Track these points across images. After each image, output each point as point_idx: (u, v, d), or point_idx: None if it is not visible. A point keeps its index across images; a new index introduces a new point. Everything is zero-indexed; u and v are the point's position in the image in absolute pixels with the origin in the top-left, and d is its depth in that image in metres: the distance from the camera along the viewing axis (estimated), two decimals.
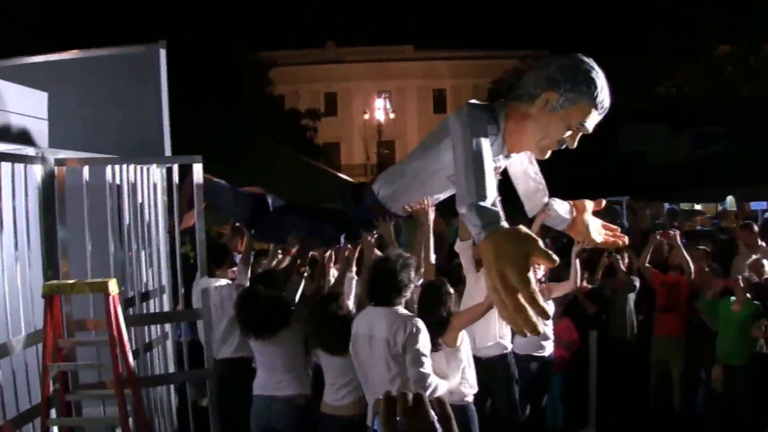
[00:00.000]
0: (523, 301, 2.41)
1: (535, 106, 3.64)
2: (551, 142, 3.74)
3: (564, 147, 3.77)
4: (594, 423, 8.78)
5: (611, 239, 4.80)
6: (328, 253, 6.88)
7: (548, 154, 3.83)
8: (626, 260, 9.94)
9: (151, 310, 7.23)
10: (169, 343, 7.55)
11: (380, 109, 53.78)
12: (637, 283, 9.86)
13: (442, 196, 5.06)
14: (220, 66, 27.00)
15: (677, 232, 9.76)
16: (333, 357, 5.97)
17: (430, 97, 59.02)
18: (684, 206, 16.88)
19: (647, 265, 9.77)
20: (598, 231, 4.74)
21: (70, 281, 5.56)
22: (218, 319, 7.22)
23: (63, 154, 6.28)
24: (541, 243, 2.51)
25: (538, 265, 2.54)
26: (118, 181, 6.56)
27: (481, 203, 2.89)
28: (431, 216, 5.74)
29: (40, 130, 6.50)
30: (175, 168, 6.91)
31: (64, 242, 6.10)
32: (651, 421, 9.61)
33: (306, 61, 54.96)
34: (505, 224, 2.73)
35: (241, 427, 6.54)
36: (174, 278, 7.22)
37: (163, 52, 7.81)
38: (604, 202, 4.86)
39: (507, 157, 4.10)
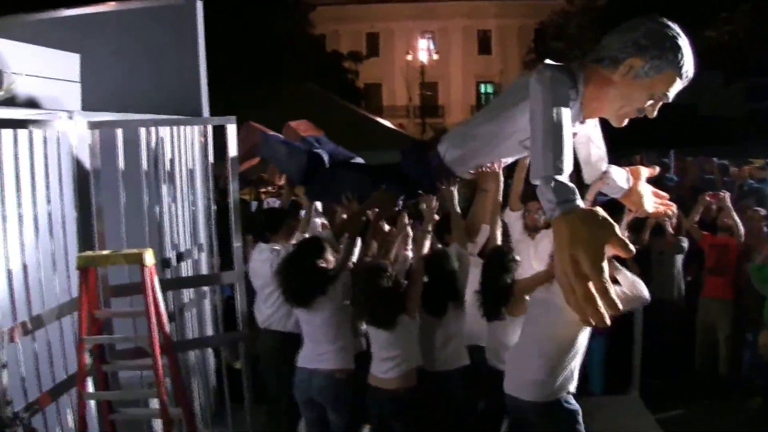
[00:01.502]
0: (593, 290, 2.28)
1: (618, 72, 3.47)
2: (631, 110, 3.59)
3: (643, 115, 3.61)
4: (638, 386, 8.62)
5: (662, 209, 4.72)
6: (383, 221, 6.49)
7: (625, 122, 3.68)
8: (674, 220, 9.67)
9: (189, 270, 7.22)
10: (207, 303, 7.51)
11: (423, 50, 53.36)
12: (686, 244, 9.62)
13: (510, 160, 4.96)
14: (259, 6, 26.53)
15: (727, 194, 9.49)
16: (379, 330, 5.84)
17: (475, 38, 58.05)
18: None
19: (695, 225, 9.56)
20: (650, 200, 4.66)
21: (105, 252, 5.45)
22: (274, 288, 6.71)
23: (96, 116, 6.15)
24: (618, 230, 2.37)
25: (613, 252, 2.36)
26: (153, 142, 6.46)
27: (558, 177, 2.73)
28: (500, 180, 5.61)
29: (72, 93, 6.39)
30: (210, 128, 6.87)
31: (99, 207, 5.99)
32: (696, 385, 9.44)
33: (348, 1, 54.49)
34: (581, 203, 2.58)
35: (283, 397, 6.51)
36: (212, 237, 7.13)
37: (200, 5, 7.67)
38: (657, 169, 4.76)
39: (582, 122, 3.93)
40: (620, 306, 2.28)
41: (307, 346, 6.08)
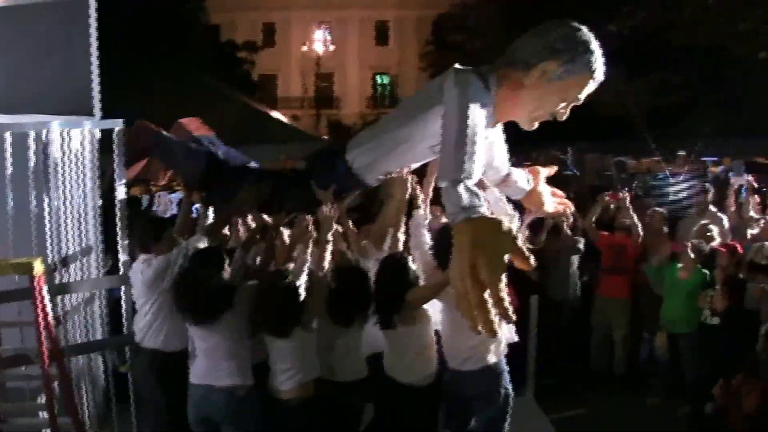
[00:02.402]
0: (488, 298, 2.20)
1: (531, 76, 3.42)
2: (544, 113, 3.56)
3: (553, 118, 3.59)
4: (532, 387, 8.61)
5: (560, 208, 4.76)
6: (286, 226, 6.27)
7: (536, 125, 3.63)
8: (570, 220, 9.70)
9: (78, 272, 6.92)
10: (96, 305, 7.26)
11: (319, 41, 53.14)
12: (582, 245, 9.71)
13: (416, 165, 4.84)
14: None
15: (627, 194, 9.58)
16: (275, 340, 5.66)
17: (372, 29, 57.85)
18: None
19: (593, 225, 9.63)
20: (550, 200, 4.74)
21: None
22: (145, 300, 6.40)
23: None
24: (521, 242, 2.30)
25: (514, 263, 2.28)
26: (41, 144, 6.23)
27: (467, 182, 2.66)
28: (407, 186, 5.45)
29: None
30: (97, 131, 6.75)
31: None
32: (592, 385, 9.55)
33: None
34: (486, 211, 2.50)
35: (176, 417, 6.14)
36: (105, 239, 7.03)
37: (92, 1, 7.36)
38: (555, 169, 4.82)
39: (493, 127, 3.82)
40: (513, 317, 2.22)
41: (201, 362, 5.76)
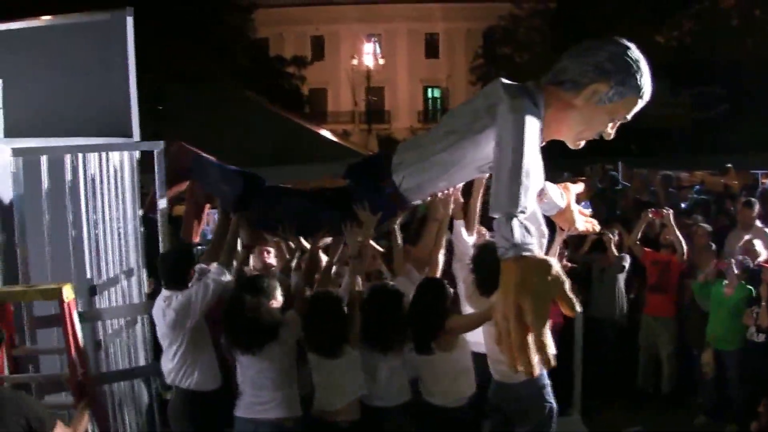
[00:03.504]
0: (530, 341, 2.21)
1: (581, 97, 3.36)
2: (592, 133, 3.51)
3: (599, 137, 3.55)
4: (579, 407, 8.53)
5: (589, 227, 4.73)
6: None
7: (582, 144, 3.59)
8: (616, 237, 9.62)
9: (119, 295, 6.94)
10: (139, 329, 7.25)
11: (369, 54, 53.08)
12: (627, 263, 9.59)
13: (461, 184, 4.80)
14: (197, 7, 25.60)
15: (670, 211, 9.46)
16: (322, 359, 5.66)
17: (422, 42, 57.71)
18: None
19: (638, 242, 9.53)
20: (580, 217, 4.69)
21: (20, 287, 5.26)
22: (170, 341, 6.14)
23: (20, 143, 5.92)
24: (568, 287, 2.31)
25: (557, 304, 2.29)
26: (80, 167, 6.25)
27: (521, 216, 2.59)
28: (450, 208, 5.45)
29: None
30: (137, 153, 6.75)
31: (22, 235, 5.76)
32: (639, 404, 9.41)
33: (292, 3, 54.05)
34: (537, 251, 2.45)
35: None
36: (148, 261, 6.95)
37: (130, 20, 7.34)
38: (582, 186, 4.78)
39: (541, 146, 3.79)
40: (553, 363, 2.22)
41: (248, 394, 5.67)
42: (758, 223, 9.79)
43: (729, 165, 14.67)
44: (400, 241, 5.99)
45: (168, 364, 6.10)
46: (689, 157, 14.88)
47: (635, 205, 11.11)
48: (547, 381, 6.00)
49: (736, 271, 8.33)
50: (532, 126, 2.92)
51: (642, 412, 9.19)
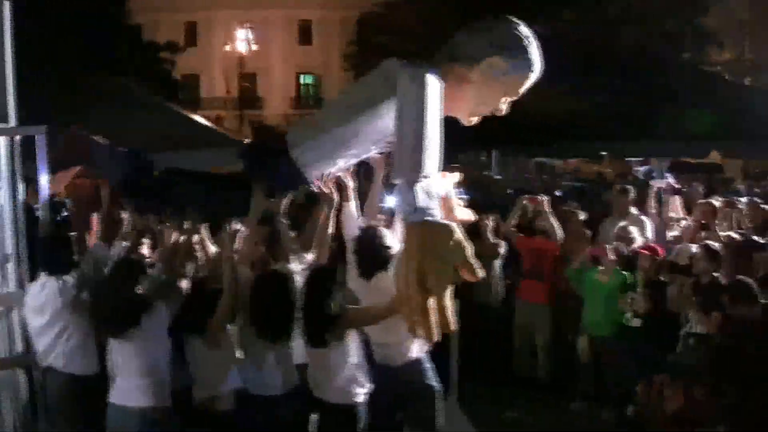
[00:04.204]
0: (431, 305, 2.18)
1: (477, 70, 3.32)
2: (486, 108, 3.43)
3: (492, 114, 3.46)
4: (456, 391, 8.52)
5: (468, 217, 4.70)
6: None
7: (475, 121, 3.48)
8: (492, 223, 9.65)
9: None
10: (15, 317, 6.98)
11: (242, 40, 52.69)
12: (503, 249, 9.66)
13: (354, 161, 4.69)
14: None
15: (545, 198, 9.54)
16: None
17: (295, 29, 57.66)
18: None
19: (513, 229, 9.59)
20: (459, 206, 4.57)
21: None
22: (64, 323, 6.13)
23: None
24: (470, 253, 2.27)
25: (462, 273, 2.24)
26: None
27: (424, 182, 2.56)
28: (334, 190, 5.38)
29: None
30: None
31: None
32: (515, 389, 9.49)
33: None
34: (438, 215, 2.43)
35: None
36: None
37: (7, 4, 7.11)
38: (461, 175, 4.74)
39: None
40: (454, 327, 2.22)
41: (118, 379, 5.58)
42: (634, 210, 9.96)
43: (604, 153, 14.94)
44: (285, 224, 5.89)
45: (56, 348, 6.06)
46: (564, 145, 15.09)
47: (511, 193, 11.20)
48: (429, 363, 6.08)
49: (611, 258, 8.42)
50: (434, 92, 2.90)
51: (519, 397, 9.27)
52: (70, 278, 5.95)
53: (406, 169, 2.60)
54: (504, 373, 9.72)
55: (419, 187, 2.49)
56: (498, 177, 13.73)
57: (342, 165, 4.64)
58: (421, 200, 2.44)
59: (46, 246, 6.25)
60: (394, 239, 5.79)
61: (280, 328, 5.64)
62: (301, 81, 57.94)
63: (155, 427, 5.44)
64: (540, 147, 15.43)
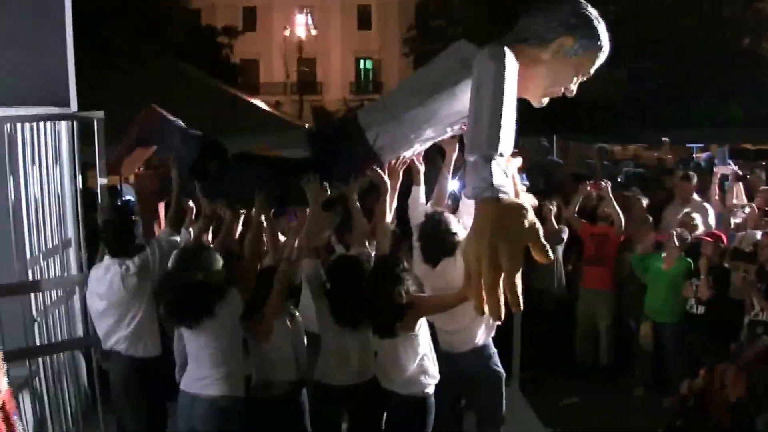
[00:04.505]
0: (502, 283, 2.13)
1: (548, 51, 3.45)
2: (557, 89, 3.57)
3: (562, 95, 3.60)
4: (518, 377, 8.55)
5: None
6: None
7: (546, 102, 3.61)
8: (554, 209, 9.63)
9: (57, 266, 6.95)
10: (77, 300, 7.17)
11: (302, 25, 52.71)
12: (565, 234, 9.62)
13: (427, 145, 4.66)
14: None
15: (608, 184, 9.50)
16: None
17: (354, 13, 57.31)
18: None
19: (575, 215, 9.57)
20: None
21: None
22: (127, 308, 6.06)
23: None
24: (542, 235, 2.22)
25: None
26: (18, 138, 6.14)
27: (500, 160, 2.48)
28: (399, 177, 5.32)
29: None
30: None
31: None
32: (577, 376, 9.52)
33: None
34: (512, 195, 2.36)
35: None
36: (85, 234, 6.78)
37: None
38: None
39: None
40: (522, 306, 2.14)
41: (190, 368, 5.50)
42: (696, 197, 9.90)
43: (665, 139, 14.82)
44: (359, 208, 5.63)
45: (119, 332, 6.01)
46: (624, 131, 14.97)
47: (572, 179, 11.13)
48: (493, 350, 6.07)
49: (675, 244, 8.39)
50: (512, 69, 2.80)
51: (580, 384, 9.30)
52: (132, 263, 5.86)
53: (483, 144, 2.52)
54: (565, 360, 9.73)
55: (495, 164, 2.42)
56: (559, 161, 13.65)
57: (418, 148, 4.70)
58: (497, 177, 2.37)
59: (110, 228, 6.13)
60: (459, 226, 5.72)
61: (360, 313, 5.55)
62: (360, 66, 57.79)
63: (225, 415, 5.38)
64: (600, 133, 15.36)
